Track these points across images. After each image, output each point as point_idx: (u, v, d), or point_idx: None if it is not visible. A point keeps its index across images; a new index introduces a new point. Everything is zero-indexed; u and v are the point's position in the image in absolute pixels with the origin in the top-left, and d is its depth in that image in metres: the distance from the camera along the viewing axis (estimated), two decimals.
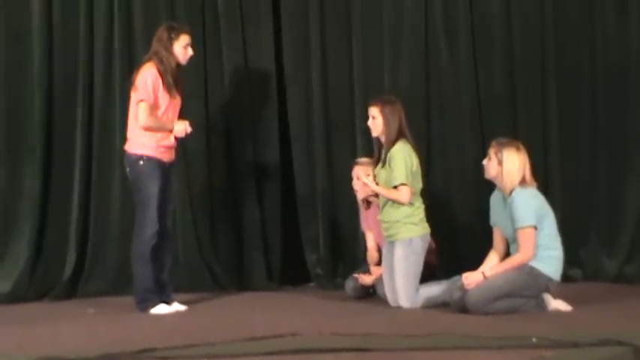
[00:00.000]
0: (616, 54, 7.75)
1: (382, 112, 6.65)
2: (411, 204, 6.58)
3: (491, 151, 6.27)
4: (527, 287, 6.07)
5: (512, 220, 6.12)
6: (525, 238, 6.08)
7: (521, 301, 6.07)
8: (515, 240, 6.17)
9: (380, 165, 6.67)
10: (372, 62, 7.90)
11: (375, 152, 6.74)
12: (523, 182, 6.18)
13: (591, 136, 7.77)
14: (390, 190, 6.57)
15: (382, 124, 6.63)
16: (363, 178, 6.68)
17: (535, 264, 6.08)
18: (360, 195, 7.04)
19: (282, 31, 7.98)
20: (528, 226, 6.08)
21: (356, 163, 7.08)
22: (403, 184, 6.53)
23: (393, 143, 6.59)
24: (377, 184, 6.64)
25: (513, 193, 6.16)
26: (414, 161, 6.59)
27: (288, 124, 7.96)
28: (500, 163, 6.20)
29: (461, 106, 7.85)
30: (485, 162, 6.31)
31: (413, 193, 6.59)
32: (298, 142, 7.86)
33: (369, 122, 6.69)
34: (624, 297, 6.73)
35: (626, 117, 7.71)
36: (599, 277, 7.58)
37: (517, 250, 6.13)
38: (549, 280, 6.11)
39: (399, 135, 6.61)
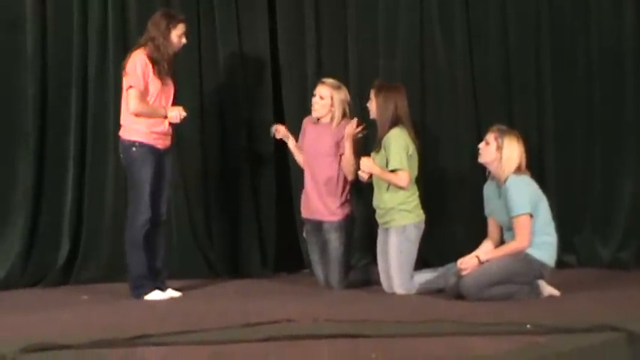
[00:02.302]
0: (611, 43, 7.71)
1: (376, 96, 6.68)
2: (405, 190, 6.57)
3: (491, 136, 6.24)
4: (522, 273, 6.07)
5: (508, 208, 6.11)
6: (521, 226, 6.06)
7: (516, 287, 6.07)
8: (510, 228, 6.16)
9: (376, 149, 6.67)
10: (367, 51, 7.87)
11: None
12: (518, 170, 6.17)
13: (587, 126, 7.76)
14: (389, 174, 6.56)
15: (375, 107, 6.64)
16: (363, 161, 6.65)
17: (530, 250, 6.07)
18: (317, 114, 7.04)
19: (277, 20, 7.95)
20: (524, 214, 6.07)
21: (321, 82, 7.06)
22: (401, 169, 6.53)
23: (387, 129, 6.59)
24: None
25: (508, 181, 6.14)
26: (409, 147, 6.58)
27: (283, 111, 7.94)
28: (499, 148, 6.18)
29: (456, 96, 7.83)
30: (481, 145, 6.29)
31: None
32: (293, 127, 7.81)
33: (368, 103, 6.73)
34: (618, 283, 6.75)
35: (622, 107, 7.69)
36: (593, 263, 7.59)
37: (513, 238, 6.12)
38: (543, 265, 6.11)
39: (396, 121, 6.61)
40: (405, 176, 6.56)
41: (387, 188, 6.62)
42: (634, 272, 7.29)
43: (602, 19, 7.73)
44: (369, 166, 6.62)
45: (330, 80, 7.08)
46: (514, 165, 6.17)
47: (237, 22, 7.89)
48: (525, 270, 6.06)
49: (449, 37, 7.83)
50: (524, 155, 6.23)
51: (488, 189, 6.38)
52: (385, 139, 6.59)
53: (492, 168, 6.27)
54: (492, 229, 6.38)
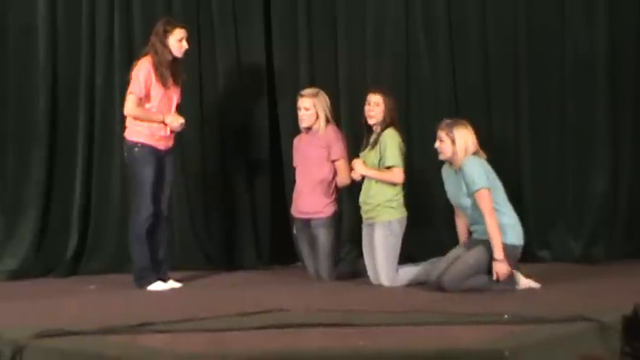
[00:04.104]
0: (583, 55, 7.70)
1: (385, 101, 6.59)
2: (393, 188, 6.51)
3: (442, 133, 6.13)
4: None
5: (467, 185, 6.03)
6: (482, 200, 5.97)
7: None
8: (463, 209, 6.12)
9: (369, 147, 6.61)
10: (356, 59, 7.86)
11: (364, 137, 6.70)
12: (474, 154, 6.11)
13: (560, 129, 7.74)
14: (383, 172, 6.52)
15: (383, 110, 6.56)
16: (354, 163, 6.58)
17: None
18: (306, 124, 6.94)
19: (273, 31, 7.95)
20: (482, 188, 5.97)
21: (300, 96, 6.99)
22: (396, 167, 6.49)
23: (384, 128, 6.54)
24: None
25: (463, 162, 6.06)
26: (403, 147, 6.56)
27: (277, 117, 7.94)
28: (453, 142, 6.09)
29: (438, 100, 7.81)
30: (437, 145, 6.17)
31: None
32: (287, 132, 7.82)
33: (366, 109, 6.62)
34: (589, 276, 6.73)
35: (592, 112, 7.68)
36: (566, 258, 7.57)
37: (481, 216, 6.02)
38: (513, 246, 6.01)
39: (392, 123, 6.58)
40: (399, 172, 6.51)
41: (374, 186, 6.56)
42: (604, 266, 7.28)
43: (575, 32, 7.71)
44: (362, 169, 6.55)
45: (307, 90, 7.04)
46: (470, 151, 6.09)
47: (235, 36, 7.89)
48: None
49: (433, 47, 7.81)
50: (475, 139, 6.13)
51: (446, 172, 6.31)
52: (381, 138, 6.54)
53: (454, 161, 6.16)
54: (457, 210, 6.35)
